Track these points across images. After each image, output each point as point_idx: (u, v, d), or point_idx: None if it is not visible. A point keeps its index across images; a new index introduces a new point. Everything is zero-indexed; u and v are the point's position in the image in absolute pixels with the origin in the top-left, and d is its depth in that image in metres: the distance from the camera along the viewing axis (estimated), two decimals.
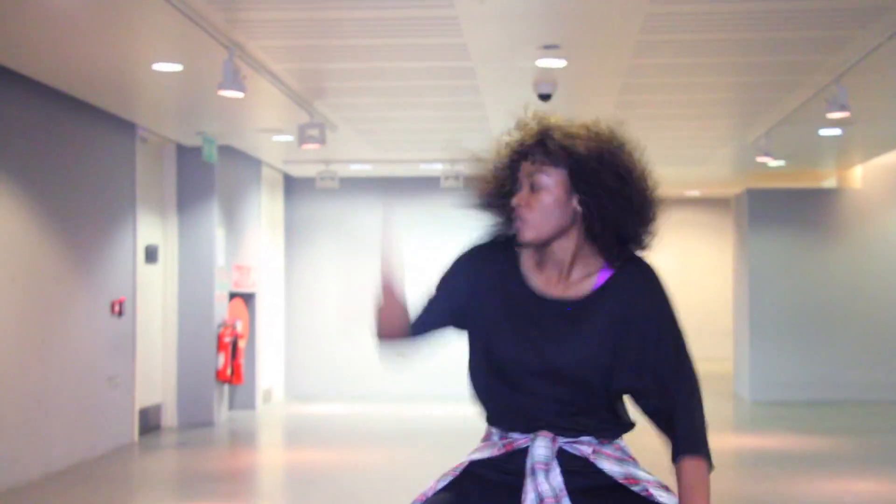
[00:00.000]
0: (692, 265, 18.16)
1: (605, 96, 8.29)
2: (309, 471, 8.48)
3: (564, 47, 6.62)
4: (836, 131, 9.70)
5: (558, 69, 7.04)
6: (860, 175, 13.09)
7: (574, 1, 5.92)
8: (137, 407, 9.46)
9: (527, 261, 2.63)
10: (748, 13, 6.01)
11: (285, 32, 6.45)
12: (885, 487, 7.32)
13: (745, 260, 13.15)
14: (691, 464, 2.53)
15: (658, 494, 2.49)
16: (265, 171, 12.18)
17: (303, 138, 8.47)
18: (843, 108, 7.18)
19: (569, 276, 2.58)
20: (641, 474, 2.54)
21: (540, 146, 2.52)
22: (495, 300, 2.63)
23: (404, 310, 2.61)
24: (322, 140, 8.52)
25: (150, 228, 9.96)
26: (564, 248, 2.55)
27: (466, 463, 2.65)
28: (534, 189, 2.52)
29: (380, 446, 9.04)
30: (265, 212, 12.27)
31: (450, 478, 2.63)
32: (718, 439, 10.27)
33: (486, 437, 2.70)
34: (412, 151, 11.43)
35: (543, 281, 2.58)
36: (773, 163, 11.09)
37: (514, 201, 2.52)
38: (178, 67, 7.04)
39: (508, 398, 2.64)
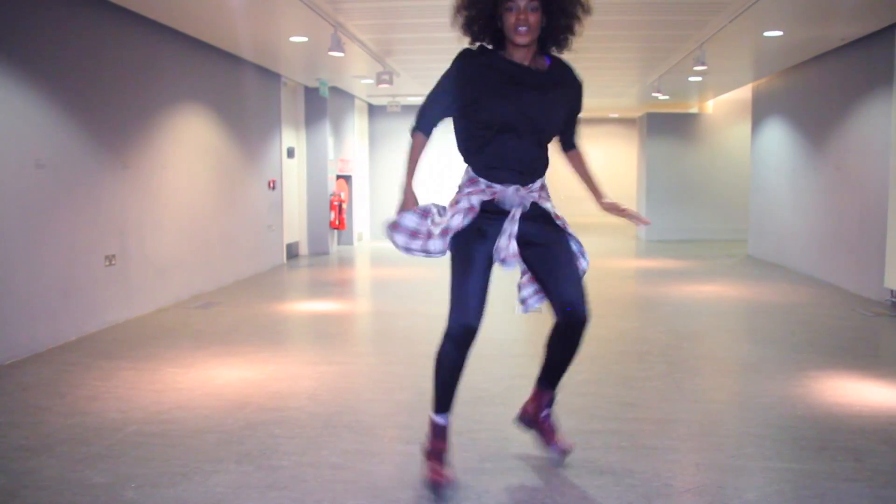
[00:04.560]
0: (614, 159, 18.04)
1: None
2: (384, 280, 8.64)
3: None
4: (699, 78, 9.59)
5: None
6: (712, 105, 12.99)
7: None
8: (285, 243, 9.71)
9: (506, 52, 2.56)
10: (647, 4, 5.99)
11: (368, 16, 6.39)
12: (717, 288, 7.54)
13: (644, 155, 13.11)
14: (580, 154, 2.83)
15: (567, 226, 2.65)
16: (357, 102, 12.11)
17: (379, 81, 8.54)
18: (702, 64, 7.20)
19: (530, 61, 2.57)
20: (558, 211, 2.67)
21: None
22: (490, 74, 2.52)
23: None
24: (391, 82, 8.60)
25: (290, 137, 10.03)
26: (532, 45, 2.53)
27: (477, 204, 2.56)
28: (529, 10, 2.44)
29: (425, 267, 9.13)
30: (357, 126, 12.22)
31: (471, 216, 2.56)
32: (626, 262, 10.56)
33: (473, 183, 2.60)
34: None
35: (519, 60, 2.55)
36: (661, 97, 11.04)
37: (517, 17, 2.44)
38: (304, 39, 7.04)
39: (492, 155, 2.56)
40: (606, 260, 10.25)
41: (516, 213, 2.55)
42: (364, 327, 6.05)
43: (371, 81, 9.63)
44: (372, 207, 13.36)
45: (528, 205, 2.58)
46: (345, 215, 11.05)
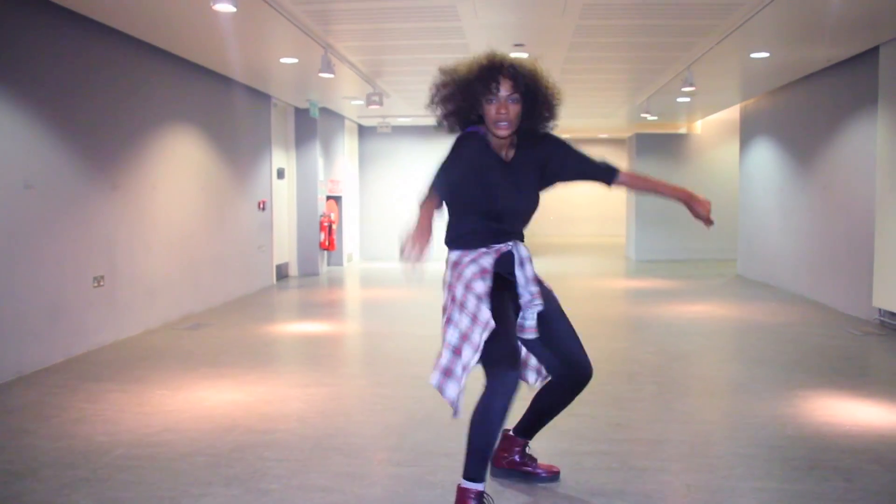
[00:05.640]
0: None
1: (551, 75, 8.17)
2: (374, 301, 8.64)
3: (527, 45, 6.61)
4: (687, 99, 9.66)
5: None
6: (700, 125, 13.11)
7: (532, 18, 5.94)
8: (275, 264, 9.70)
9: (491, 142, 2.56)
10: (635, 27, 6.05)
11: (358, 37, 6.42)
12: (707, 307, 7.58)
13: None
14: (626, 172, 2.71)
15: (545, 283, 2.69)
16: (347, 123, 12.15)
17: (369, 102, 8.56)
18: (691, 85, 7.28)
19: (509, 150, 2.58)
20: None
21: (512, 75, 2.47)
22: (483, 164, 2.52)
23: (430, 235, 2.18)
24: (381, 103, 8.60)
25: (280, 158, 10.04)
26: (512, 136, 2.56)
27: (491, 270, 2.52)
28: (510, 102, 2.45)
29: (415, 288, 9.19)
30: (347, 147, 12.25)
31: (488, 280, 2.50)
32: (616, 283, 10.53)
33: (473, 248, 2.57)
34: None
35: (497, 148, 2.56)
36: (650, 117, 11.12)
37: (497, 110, 2.45)
38: (294, 60, 7.07)
39: (494, 224, 2.54)
40: (596, 280, 10.27)
41: (528, 303, 2.56)
42: (354, 349, 6.03)
43: (361, 102, 9.66)
44: (362, 228, 13.36)
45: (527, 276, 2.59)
46: (335, 236, 11.04)
